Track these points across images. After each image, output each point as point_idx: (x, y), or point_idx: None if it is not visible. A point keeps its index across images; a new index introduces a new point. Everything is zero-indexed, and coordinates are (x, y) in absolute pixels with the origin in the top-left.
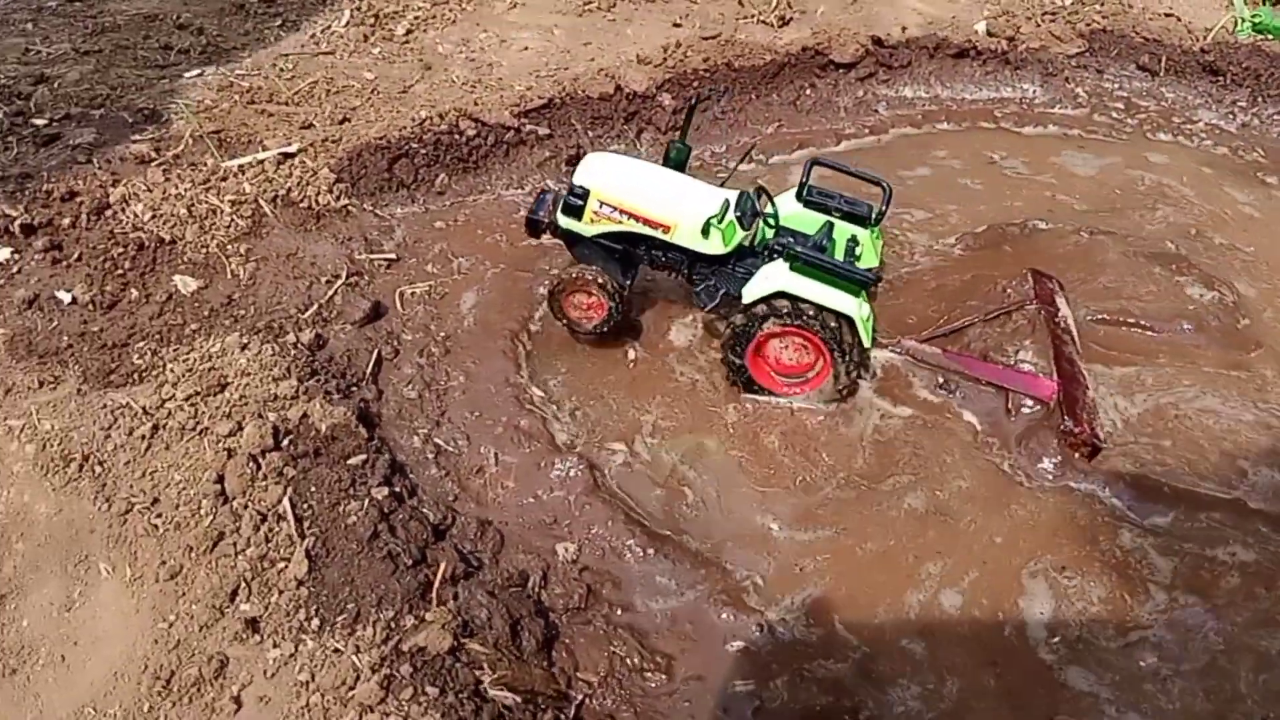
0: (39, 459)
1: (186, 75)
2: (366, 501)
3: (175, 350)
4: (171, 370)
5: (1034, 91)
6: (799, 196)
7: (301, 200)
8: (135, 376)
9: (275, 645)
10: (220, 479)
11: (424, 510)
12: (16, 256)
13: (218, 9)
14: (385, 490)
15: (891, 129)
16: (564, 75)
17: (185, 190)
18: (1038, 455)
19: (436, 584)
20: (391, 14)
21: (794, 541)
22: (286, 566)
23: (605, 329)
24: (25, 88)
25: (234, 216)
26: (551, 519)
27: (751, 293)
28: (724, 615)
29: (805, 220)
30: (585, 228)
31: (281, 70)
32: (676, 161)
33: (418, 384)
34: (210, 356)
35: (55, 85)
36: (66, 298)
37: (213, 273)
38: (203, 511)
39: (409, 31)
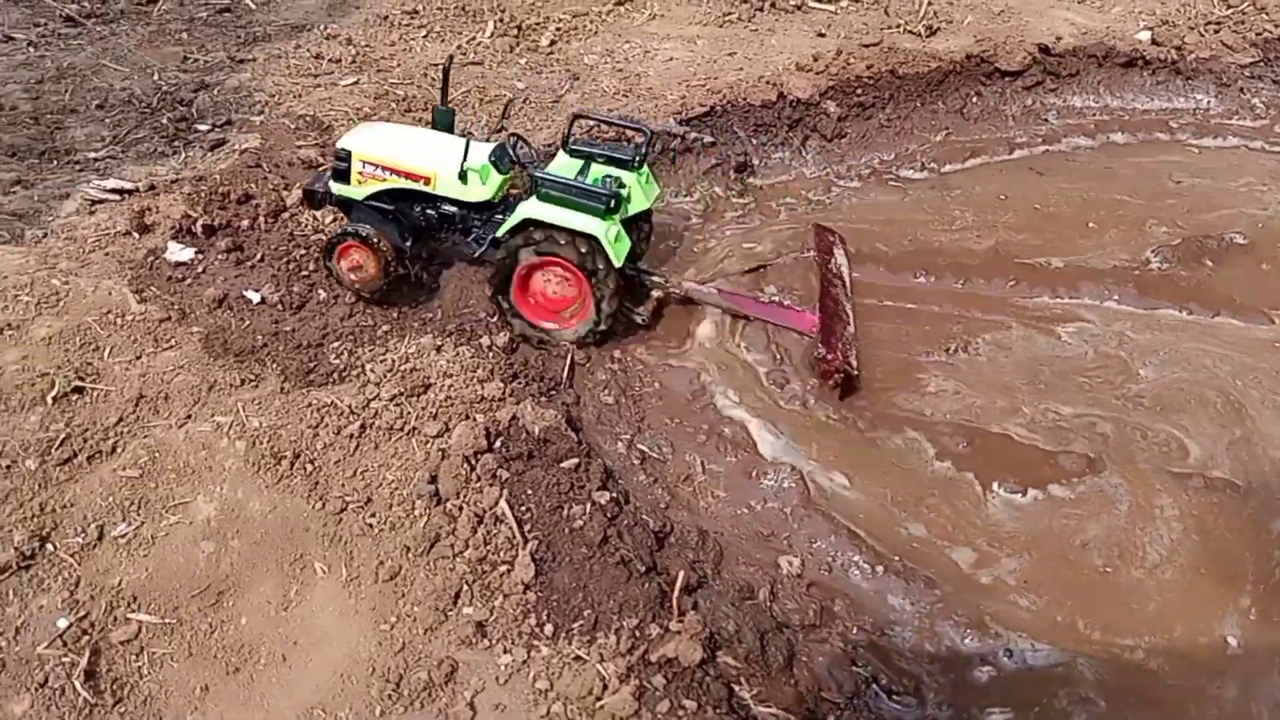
0: (249, 455)
1: (342, 83)
2: (589, 506)
3: (371, 351)
4: (372, 370)
5: (1208, 102)
6: (564, 148)
7: None
8: (335, 376)
9: (506, 651)
10: (433, 479)
11: (644, 517)
12: (200, 257)
13: (362, 20)
14: (607, 495)
15: (1064, 138)
16: (714, 84)
17: None
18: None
19: (676, 593)
20: (533, 25)
21: (1036, 563)
22: (510, 570)
23: (380, 290)
24: (187, 94)
25: None
26: (769, 531)
27: (504, 227)
28: (968, 639)
29: (569, 167)
30: (355, 190)
31: (434, 80)
32: (443, 125)
33: (614, 389)
34: (408, 358)
35: (216, 92)
36: (255, 297)
37: None
38: (417, 512)
39: (553, 43)
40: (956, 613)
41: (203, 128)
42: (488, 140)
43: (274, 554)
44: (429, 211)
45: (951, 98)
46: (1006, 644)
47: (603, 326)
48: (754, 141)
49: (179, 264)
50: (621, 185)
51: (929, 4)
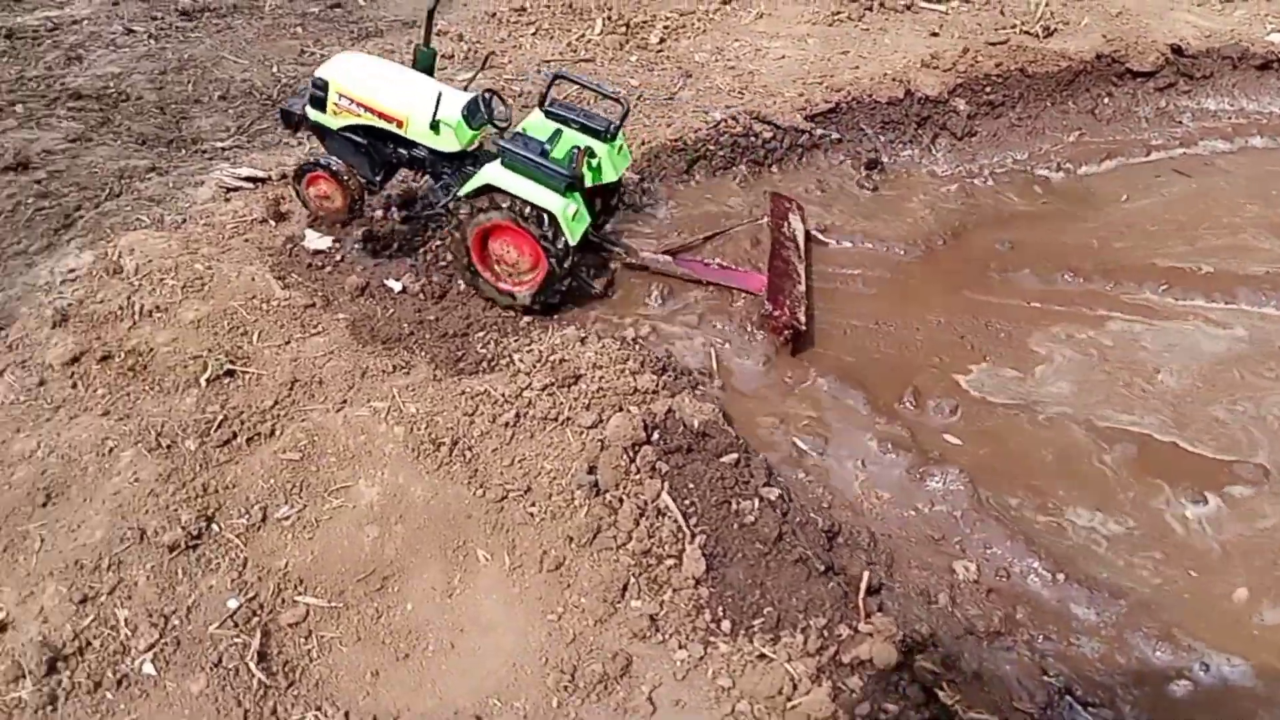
0: (408, 441)
1: (458, 79)
2: (758, 502)
3: (516, 341)
4: (521, 360)
5: None
6: (541, 107)
7: None
8: (485, 365)
9: (681, 646)
10: (592, 470)
11: (812, 515)
12: (336, 245)
13: (470, 16)
14: (775, 491)
15: (1200, 141)
16: (832, 82)
17: None
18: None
19: (862, 593)
20: (641, 23)
21: (1224, 573)
22: (677, 564)
23: (344, 220)
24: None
25: None
26: (939, 535)
27: (467, 188)
28: (1159, 652)
29: (541, 128)
30: (330, 120)
31: (548, 77)
32: (424, 66)
33: (761, 382)
34: (554, 349)
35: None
36: (396, 286)
37: None
38: (576, 503)
39: (662, 40)
40: (1145, 624)
41: None
42: (465, 89)
43: (437, 540)
44: (400, 151)
45: (1082, 98)
46: (1201, 658)
47: (554, 299)
48: (882, 139)
49: (317, 252)
50: (592, 155)
51: (1045, 4)
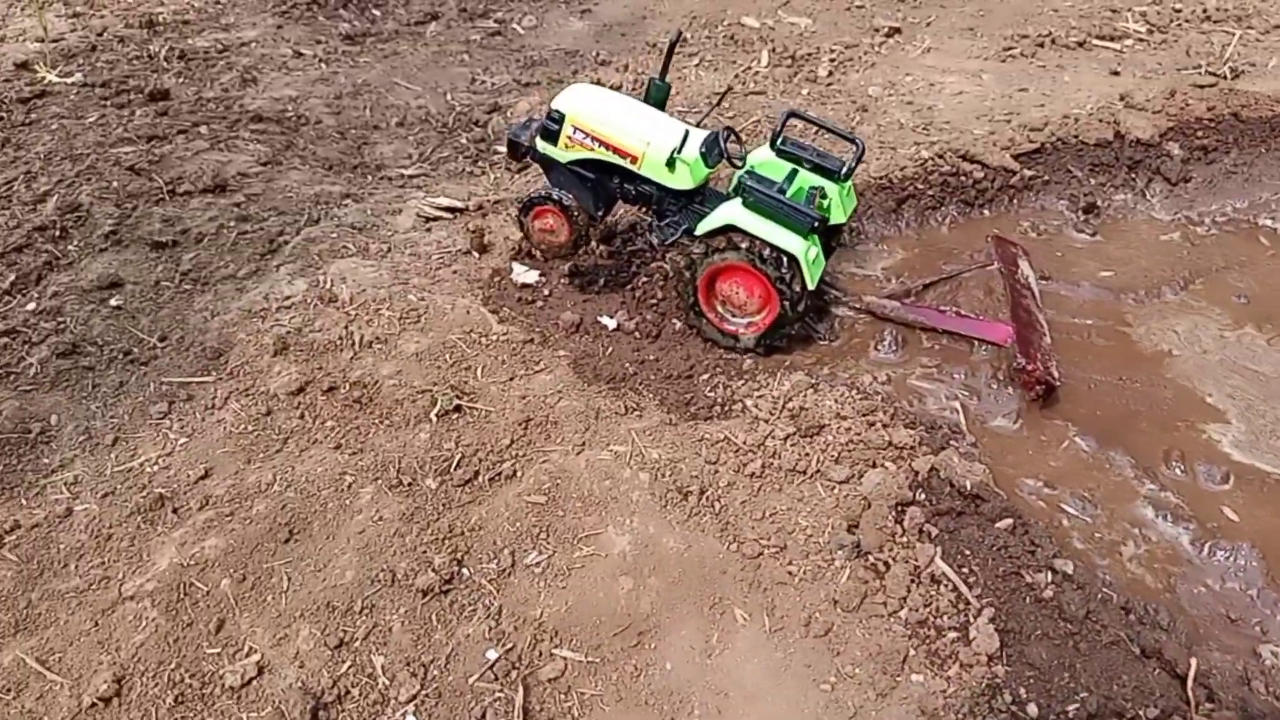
0: (654, 488)
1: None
2: (1051, 574)
3: (745, 385)
4: (756, 406)
5: None
6: (772, 145)
7: None
8: (718, 410)
9: None
10: (852, 528)
11: (1107, 590)
12: (544, 279)
13: (630, 47)
14: (1070, 565)
15: None
16: (1020, 120)
17: None
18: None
19: (1190, 682)
20: (806, 55)
21: None
22: (961, 637)
23: (569, 254)
24: (480, 115)
25: None
26: (1235, 615)
27: (705, 226)
28: None
29: (774, 167)
30: (560, 153)
31: (721, 110)
32: (657, 100)
33: (1015, 439)
34: (789, 396)
35: (508, 114)
36: (610, 324)
37: None
38: (837, 564)
39: (830, 73)
40: None
41: (504, 149)
42: (700, 126)
43: (692, 595)
44: (627, 187)
45: None
46: None
47: (778, 343)
48: (1092, 181)
49: (525, 285)
50: (824, 196)
51: (1230, 45)
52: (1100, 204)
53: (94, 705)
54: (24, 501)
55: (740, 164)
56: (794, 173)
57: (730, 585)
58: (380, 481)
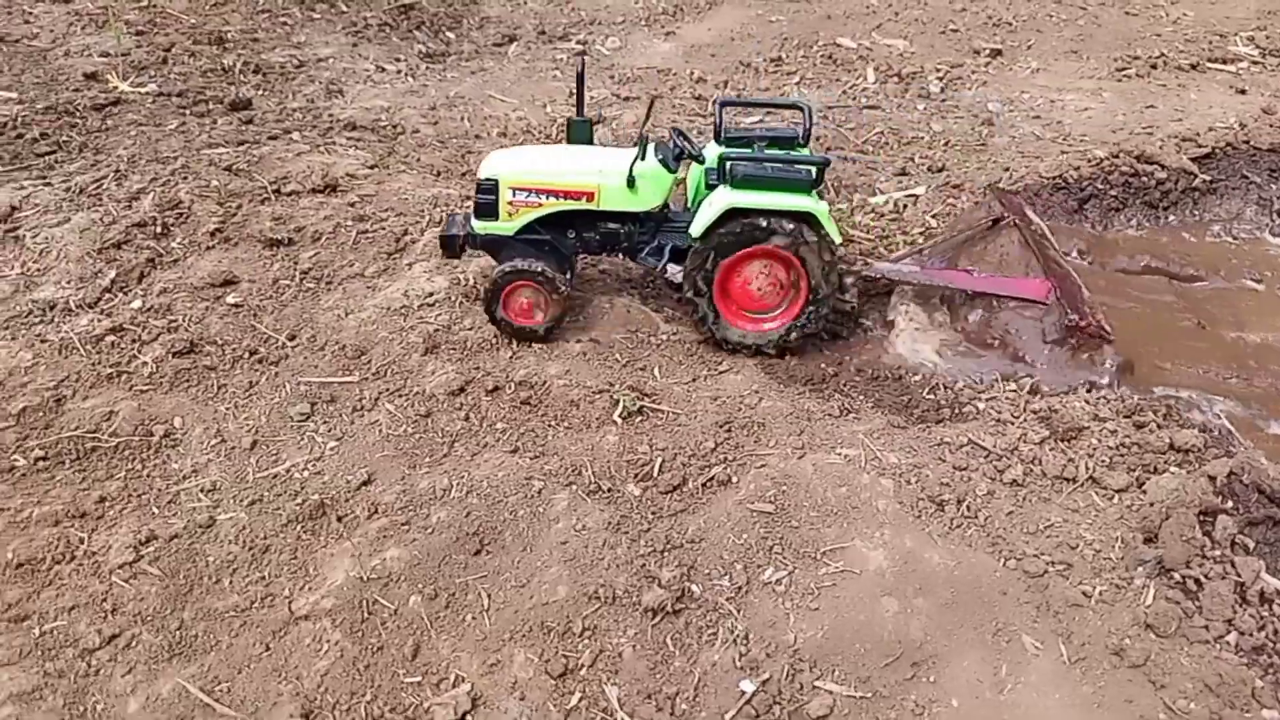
0: (900, 496)
1: (747, 120)
2: None
3: (967, 388)
4: (994, 409)
5: None
6: (718, 139)
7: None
8: (947, 413)
9: None
10: (1150, 541)
11: None
12: None
13: (720, 67)
14: None
15: None
16: (1161, 133)
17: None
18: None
19: None
20: (911, 74)
21: None
22: None
23: (552, 330)
24: None
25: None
26: None
27: (700, 224)
28: None
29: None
30: (505, 225)
31: (840, 122)
32: (582, 138)
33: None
34: (1025, 398)
35: (613, 126)
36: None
37: None
38: (1137, 582)
39: (943, 89)
40: None
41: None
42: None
43: (969, 620)
44: (588, 235)
45: None
46: None
47: (820, 322)
48: (1274, 186)
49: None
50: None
51: None
52: None
53: None
54: (155, 510)
55: (702, 160)
56: (758, 152)
57: (1013, 608)
58: (574, 487)
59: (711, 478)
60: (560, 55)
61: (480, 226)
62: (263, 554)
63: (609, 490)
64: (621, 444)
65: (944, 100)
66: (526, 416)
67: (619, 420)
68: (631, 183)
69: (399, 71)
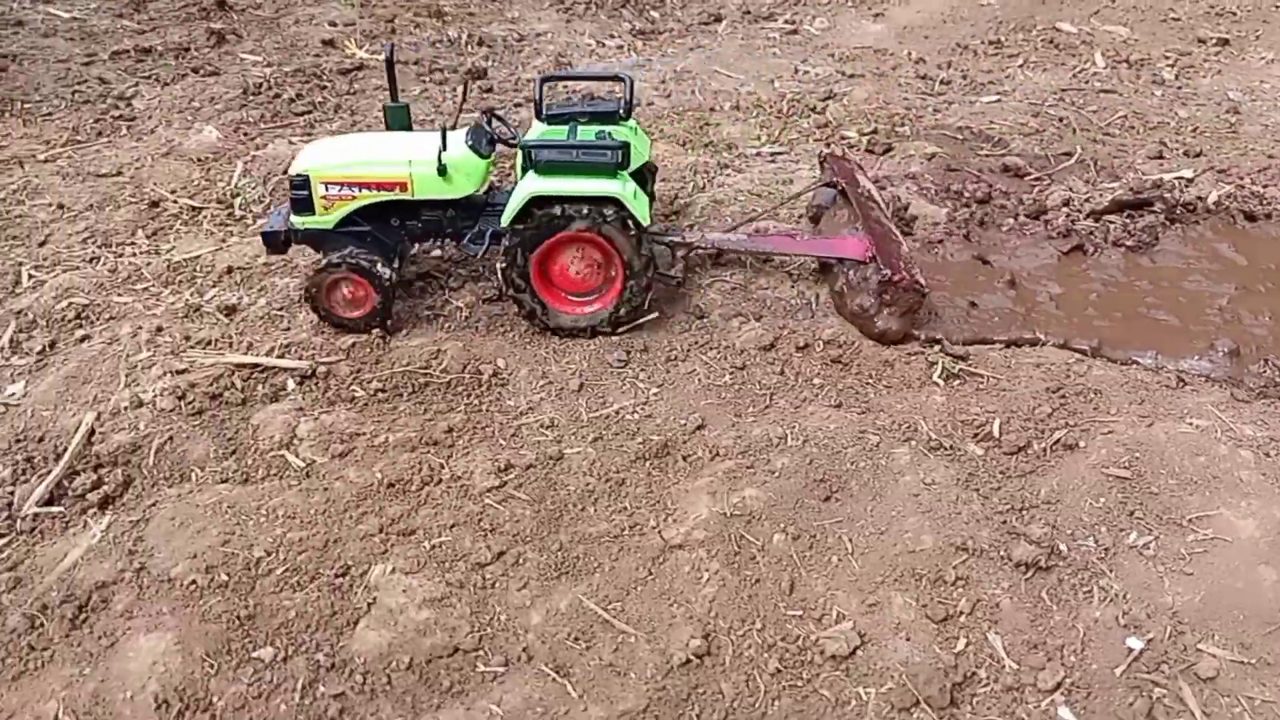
0: (1262, 468)
1: (983, 99)
2: None
3: None
4: None
5: None
6: (539, 116)
7: None
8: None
9: None
10: None
11: None
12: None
13: (936, 49)
14: None
15: None
16: None
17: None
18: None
19: None
20: (1139, 60)
21: None
22: None
23: (379, 321)
24: (815, 102)
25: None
26: None
27: (508, 214)
28: None
29: (551, 134)
30: (322, 219)
31: (1080, 106)
32: (400, 124)
33: None
34: None
35: (845, 102)
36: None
37: None
38: None
39: (1178, 77)
40: None
41: (850, 134)
42: (454, 128)
43: None
44: (411, 224)
45: None
46: None
47: (641, 301)
48: None
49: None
50: (611, 138)
51: None
52: None
53: (687, 663)
54: (502, 441)
55: (515, 144)
56: (573, 130)
57: None
58: (913, 443)
59: (1056, 441)
60: (773, 34)
61: (299, 221)
62: (619, 486)
63: (950, 448)
64: (950, 404)
65: (1180, 88)
66: (841, 374)
67: (940, 382)
68: (443, 171)
69: (619, 46)
